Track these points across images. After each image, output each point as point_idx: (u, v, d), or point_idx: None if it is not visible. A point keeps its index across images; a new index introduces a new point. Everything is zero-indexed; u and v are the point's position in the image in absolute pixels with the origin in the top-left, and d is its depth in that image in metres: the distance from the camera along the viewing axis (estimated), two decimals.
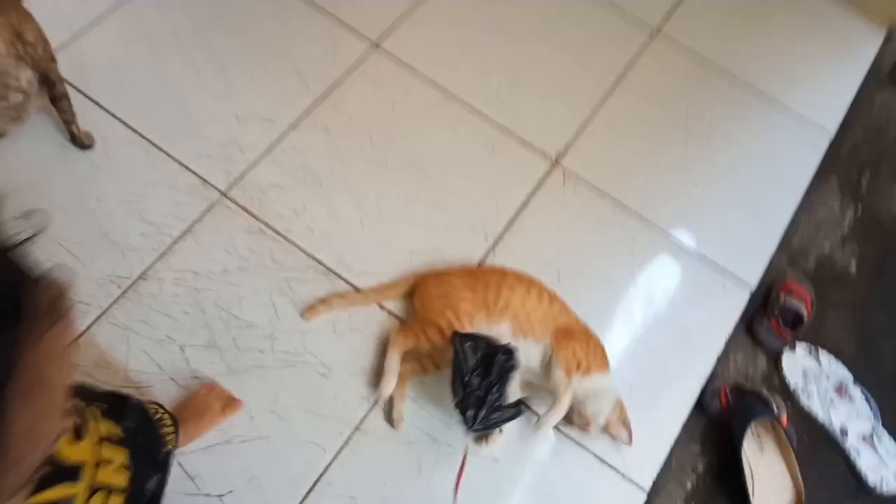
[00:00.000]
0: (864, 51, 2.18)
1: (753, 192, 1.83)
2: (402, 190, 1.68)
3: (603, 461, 1.44)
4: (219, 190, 1.60)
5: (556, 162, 1.78)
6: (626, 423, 1.41)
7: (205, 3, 1.85)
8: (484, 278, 1.50)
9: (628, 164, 1.82)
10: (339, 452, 1.38)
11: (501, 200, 1.70)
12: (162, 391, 1.38)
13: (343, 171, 1.67)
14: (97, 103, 1.65)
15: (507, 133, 1.80)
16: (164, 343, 1.43)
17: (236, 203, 1.59)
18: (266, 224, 1.58)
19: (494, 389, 1.30)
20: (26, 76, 1.43)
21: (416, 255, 1.60)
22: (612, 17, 2.06)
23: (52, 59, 1.46)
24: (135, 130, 1.64)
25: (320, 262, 1.56)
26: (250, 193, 1.61)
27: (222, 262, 1.52)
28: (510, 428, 1.40)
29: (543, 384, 1.42)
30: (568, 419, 1.40)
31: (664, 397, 1.53)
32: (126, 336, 1.43)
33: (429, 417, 1.43)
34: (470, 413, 1.30)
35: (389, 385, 1.40)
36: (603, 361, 1.44)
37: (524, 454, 1.43)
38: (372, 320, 1.51)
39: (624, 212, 1.74)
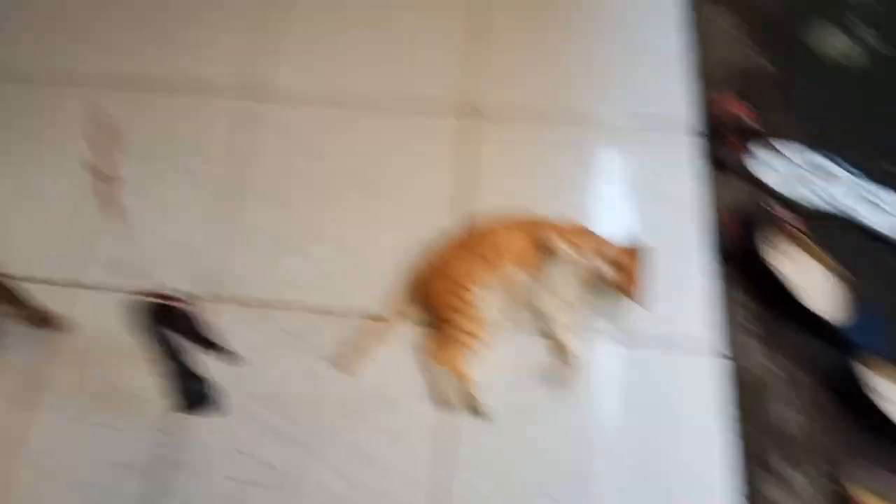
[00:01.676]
0: None
1: (644, 45, 1.85)
2: (353, 207, 1.63)
3: (669, 349, 1.46)
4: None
5: (463, 108, 1.75)
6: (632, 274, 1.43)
7: None
8: (468, 241, 1.50)
9: (524, 76, 1.81)
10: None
11: (442, 168, 1.67)
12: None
13: (295, 219, 1.60)
14: None
15: (403, 108, 1.75)
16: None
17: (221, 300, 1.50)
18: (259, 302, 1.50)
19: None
20: None
21: (398, 252, 1.56)
22: None
23: None
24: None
25: (324, 311, 1.50)
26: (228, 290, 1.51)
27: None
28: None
29: (587, 286, 1.45)
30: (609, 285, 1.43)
31: (684, 265, 1.55)
32: None
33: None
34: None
35: (449, 392, 1.38)
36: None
37: (598, 382, 1.43)
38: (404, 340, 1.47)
39: (553, 122, 1.74)
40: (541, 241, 1.45)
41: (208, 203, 1.62)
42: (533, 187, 1.64)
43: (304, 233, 1.58)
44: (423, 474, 1.34)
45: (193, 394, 1.17)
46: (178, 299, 1.08)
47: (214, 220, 1.60)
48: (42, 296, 1.44)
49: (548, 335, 1.44)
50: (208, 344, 1.16)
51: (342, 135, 1.72)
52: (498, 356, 1.43)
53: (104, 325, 1.36)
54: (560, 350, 1.42)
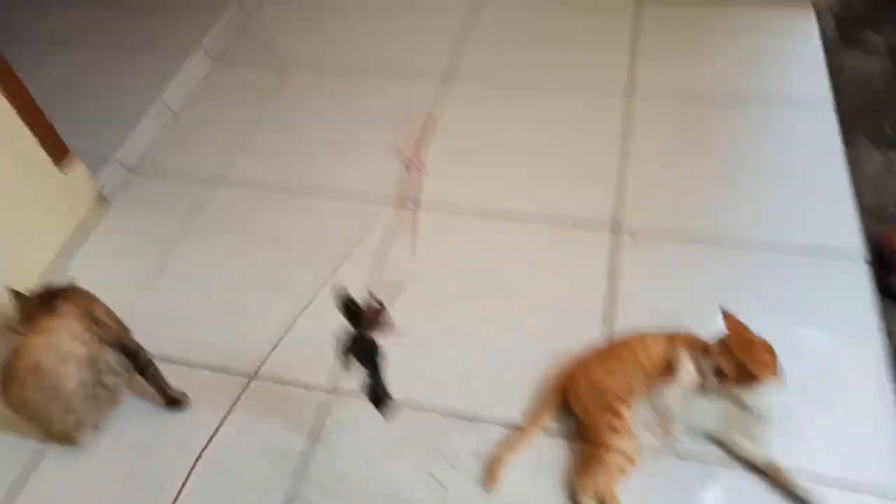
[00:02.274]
0: (807, 31, 2.31)
1: (802, 179, 1.84)
2: (493, 312, 1.63)
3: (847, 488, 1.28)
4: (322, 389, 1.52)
5: (616, 227, 1.77)
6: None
7: (233, 232, 1.88)
8: (615, 352, 1.44)
9: (680, 199, 1.83)
10: None
11: (590, 282, 1.66)
12: None
13: (436, 317, 1.62)
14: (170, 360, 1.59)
15: (556, 223, 1.80)
16: None
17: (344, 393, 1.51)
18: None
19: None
20: (112, 357, 1.39)
21: (539, 361, 1.51)
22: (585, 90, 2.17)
23: (126, 330, 1.44)
24: (221, 371, 1.58)
25: (458, 416, 1.45)
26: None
27: (363, 456, 1.41)
28: None
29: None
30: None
31: (857, 397, 1.41)
32: None
33: None
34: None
35: None
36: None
37: None
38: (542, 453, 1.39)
39: (703, 243, 1.71)
40: (674, 353, 1.36)
41: None
42: (685, 306, 1.58)
43: (447, 335, 1.59)
44: None
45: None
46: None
47: None
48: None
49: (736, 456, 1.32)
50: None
51: (490, 244, 1.78)
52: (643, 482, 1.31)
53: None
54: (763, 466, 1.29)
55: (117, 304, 1.45)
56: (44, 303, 1.37)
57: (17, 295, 1.41)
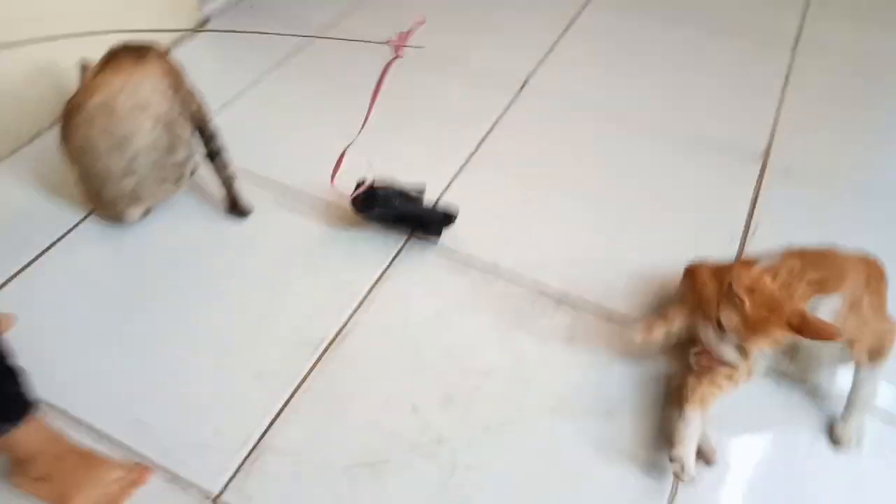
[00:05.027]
0: None
1: None
2: (622, 210, 1.43)
3: None
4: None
5: (766, 157, 1.55)
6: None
7: (319, 81, 1.72)
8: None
9: (834, 145, 1.60)
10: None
11: (730, 204, 1.44)
12: (408, 464, 1.00)
13: (553, 200, 1.44)
14: (249, 171, 1.43)
15: (705, 144, 1.59)
16: (391, 406, 1.07)
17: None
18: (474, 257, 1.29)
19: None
20: (189, 129, 1.24)
21: (657, 267, 1.30)
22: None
23: (207, 113, 1.28)
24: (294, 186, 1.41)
25: (551, 292, 1.25)
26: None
27: (432, 307, 1.21)
28: None
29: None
30: None
31: None
32: (340, 406, 1.07)
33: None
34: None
35: (691, 455, 0.98)
36: None
37: None
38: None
39: (852, 192, 1.48)
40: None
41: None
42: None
43: (583, 222, 1.40)
44: None
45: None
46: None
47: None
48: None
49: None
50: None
51: (633, 150, 1.58)
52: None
53: None
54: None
55: None
56: (127, 51, 1.22)
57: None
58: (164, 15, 1.75)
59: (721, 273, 1.05)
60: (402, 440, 1.03)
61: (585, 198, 1.44)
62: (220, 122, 1.31)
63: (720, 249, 1.29)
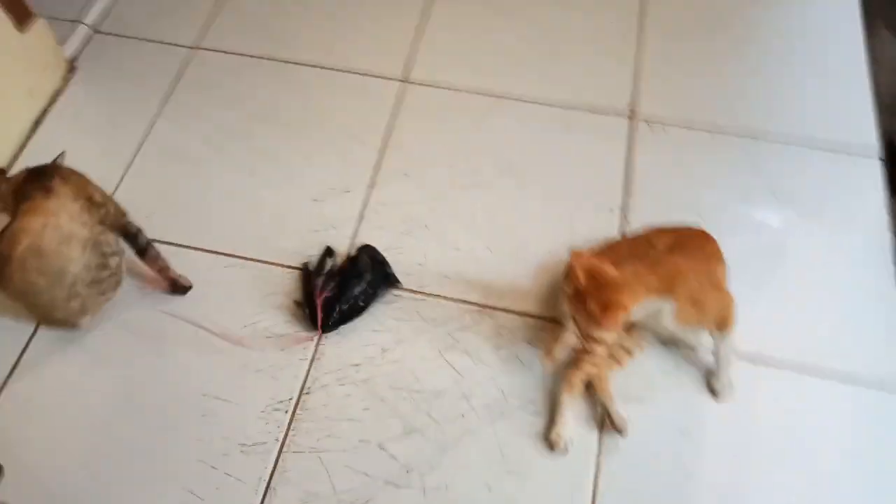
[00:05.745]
0: None
1: (824, 69, 1.79)
2: (508, 200, 1.58)
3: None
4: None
5: (632, 114, 1.70)
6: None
7: (220, 105, 1.75)
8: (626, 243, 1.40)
9: (695, 87, 1.76)
10: (596, 485, 1.25)
11: (605, 170, 1.61)
12: (388, 498, 1.24)
13: (442, 206, 1.57)
14: (172, 244, 1.51)
15: (570, 107, 1.72)
16: (360, 449, 1.29)
17: None
18: (398, 288, 1.46)
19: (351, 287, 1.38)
20: (112, 239, 1.31)
21: (556, 254, 1.49)
22: None
23: (124, 213, 1.35)
24: (224, 254, 1.51)
25: (472, 303, 1.44)
26: None
27: (376, 343, 1.40)
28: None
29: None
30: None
31: (863, 297, 1.44)
32: (318, 459, 1.28)
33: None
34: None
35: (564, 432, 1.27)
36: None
37: None
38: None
39: (720, 133, 1.67)
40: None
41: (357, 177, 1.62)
42: (700, 197, 1.56)
43: (456, 223, 1.55)
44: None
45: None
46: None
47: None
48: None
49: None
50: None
51: (510, 125, 1.70)
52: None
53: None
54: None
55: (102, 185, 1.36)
56: (32, 182, 1.26)
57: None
58: (25, 76, 1.70)
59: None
60: (376, 478, 1.26)
61: (479, 194, 1.59)
62: (130, 194, 1.40)
63: (608, 221, 1.51)
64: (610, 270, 1.15)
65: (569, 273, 1.29)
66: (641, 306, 1.16)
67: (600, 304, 1.13)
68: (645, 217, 1.51)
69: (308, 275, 1.43)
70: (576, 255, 1.17)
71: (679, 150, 1.65)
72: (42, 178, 1.26)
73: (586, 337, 1.19)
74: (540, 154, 1.65)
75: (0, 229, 1.23)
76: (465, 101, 1.74)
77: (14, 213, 1.24)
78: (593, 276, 1.15)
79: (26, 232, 1.20)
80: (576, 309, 1.18)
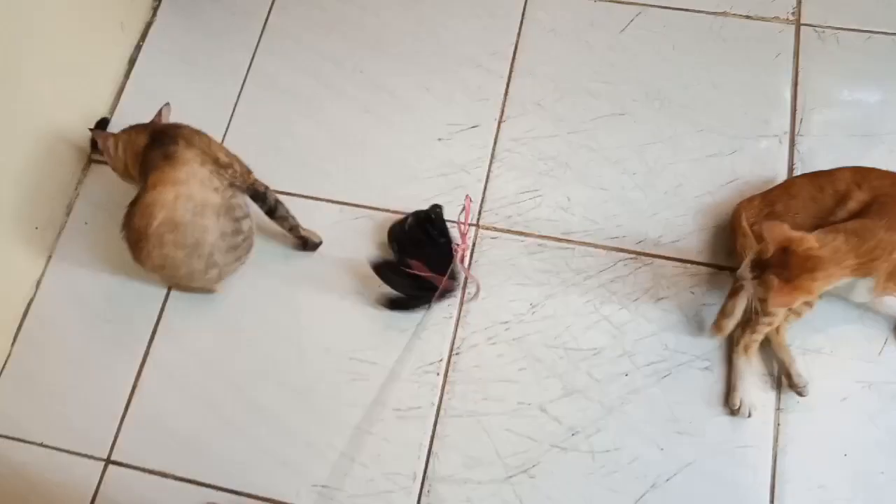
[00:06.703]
0: None
1: None
2: (656, 130, 1.41)
3: None
4: (472, 224, 1.37)
5: (797, 19, 1.47)
6: None
7: (322, 33, 1.58)
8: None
9: None
10: (776, 443, 1.17)
11: (768, 91, 1.41)
12: (554, 462, 1.19)
13: (583, 140, 1.42)
14: (290, 193, 1.41)
15: (723, 13, 1.50)
16: (520, 412, 1.23)
17: (495, 228, 1.36)
18: (541, 236, 1.34)
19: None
20: (243, 200, 1.23)
21: (716, 194, 1.34)
22: None
23: (250, 171, 1.25)
24: (349, 204, 1.41)
25: (625, 250, 1.32)
26: (504, 212, 1.37)
27: (523, 299, 1.30)
28: None
29: None
30: None
31: None
32: (477, 422, 1.23)
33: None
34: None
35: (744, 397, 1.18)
36: None
37: None
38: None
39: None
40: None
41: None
42: (878, 121, 1.36)
43: (600, 158, 1.40)
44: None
45: None
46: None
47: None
48: None
49: None
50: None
51: (657, 40, 1.49)
52: None
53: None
54: None
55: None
56: (155, 148, 1.16)
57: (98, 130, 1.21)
58: (123, 14, 1.57)
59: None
60: (541, 442, 1.20)
61: (624, 124, 1.43)
62: (239, 143, 1.31)
63: (774, 153, 1.34)
64: (809, 242, 1.00)
65: (736, 227, 1.17)
66: (831, 286, 1.03)
67: (785, 281, 1.00)
68: (819, 147, 1.34)
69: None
70: (769, 227, 1.02)
71: (855, 61, 1.42)
72: (165, 143, 1.16)
73: (762, 303, 1.07)
74: (690, 73, 1.45)
75: (130, 202, 1.16)
76: (604, 10, 1.53)
77: (143, 183, 1.15)
78: (785, 248, 1.01)
79: (159, 205, 1.12)
80: (755, 275, 1.05)
